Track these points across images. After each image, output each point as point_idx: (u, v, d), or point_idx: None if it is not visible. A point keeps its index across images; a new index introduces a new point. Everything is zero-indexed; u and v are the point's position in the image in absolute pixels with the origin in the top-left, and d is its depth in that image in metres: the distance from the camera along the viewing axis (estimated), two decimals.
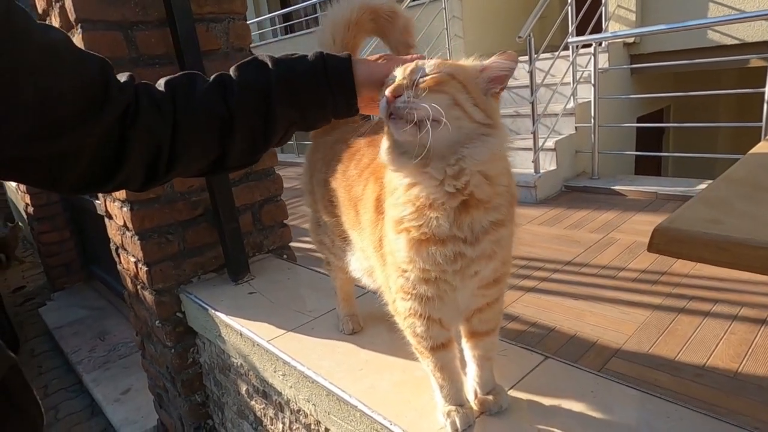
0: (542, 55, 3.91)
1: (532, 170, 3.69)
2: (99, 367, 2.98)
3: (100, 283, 4.04)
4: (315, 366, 1.16)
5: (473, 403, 0.92)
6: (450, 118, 0.66)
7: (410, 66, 0.71)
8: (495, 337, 0.91)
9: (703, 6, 4.17)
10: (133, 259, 1.75)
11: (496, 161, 0.73)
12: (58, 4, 1.53)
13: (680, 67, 4.25)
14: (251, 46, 1.79)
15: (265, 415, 1.47)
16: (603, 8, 4.54)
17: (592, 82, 3.70)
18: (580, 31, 4.15)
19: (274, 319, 1.41)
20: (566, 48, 3.97)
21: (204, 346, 1.74)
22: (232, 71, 0.70)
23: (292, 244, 2.01)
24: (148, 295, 1.73)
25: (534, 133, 3.64)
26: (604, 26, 4.49)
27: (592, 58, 3.68)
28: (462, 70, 0.71)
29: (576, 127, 3.95)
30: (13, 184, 4.58)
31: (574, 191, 3.75)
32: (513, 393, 0.95)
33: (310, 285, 1.63)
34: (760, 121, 3.15)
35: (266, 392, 1.41)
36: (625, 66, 4.49)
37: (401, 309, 0.85)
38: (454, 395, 0.89)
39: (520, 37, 3.45)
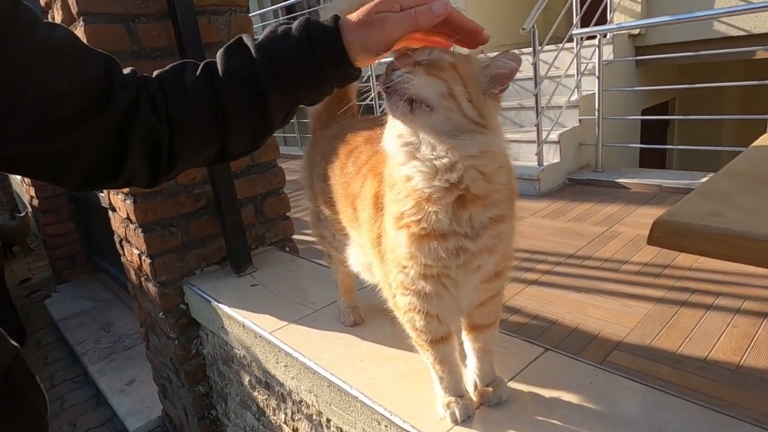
0: (546, 47, 3.88)
1: (536, 163, 3.68)
2: (104, 358, 3.02)
3: (105, 275, 4.07)
4: (316, 357, 1.16)
5: (473, 395, 0.92)
6: (441, 107, 0.66)
7: (419, 49, 0.68)
8: (495, 330, 0.92)
9: None
10: (136, 252, 1.76)
11: (489, 159, 0.72)
12: None
13: (686, 59, 4.21)
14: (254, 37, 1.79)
15: (267, 406, 1.48)
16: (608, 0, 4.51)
17: (597, 74, 3.67)
18: (585, 22, 4.11)
19: (276, 310, 1.42)
20: (570, 40, 3.93)
21: (207, 337, 1.76)
22: (218, 57, 0.66)
23: (294, 236, 2.01)
24: (151, 287, 1.74)
25: (537, 125, 3.63)
26: (608, 18, 4.44)
27: (597, 50, 3.65)
28: (466, 63, 0.69)
29: (580, 120, 3.93)
30: (18, 177, 4.61)
31: (578, 184, 3.74)
32: (513, 385, 0.96)
33: (312, 277, 1.64)
34: (766, 113, 3.13)
35: (269, 383, 1.43)
36: (629, 58, 4.45)
37: (401, 304, 0.86)
38: (454, 387, 0.89)
39: (523, 29, 3.43)
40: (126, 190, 1.63)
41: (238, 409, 1.71)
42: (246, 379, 1.55)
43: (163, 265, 1.69)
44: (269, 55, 0.63)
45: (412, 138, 0.71)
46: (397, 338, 1.14)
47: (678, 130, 6.01)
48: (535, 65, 3.57)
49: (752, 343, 1.77)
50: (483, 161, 0.71)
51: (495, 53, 0.69)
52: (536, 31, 3.48)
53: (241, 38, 0.66)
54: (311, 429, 1.28)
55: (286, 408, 1.37)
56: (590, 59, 3.99)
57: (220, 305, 1.52)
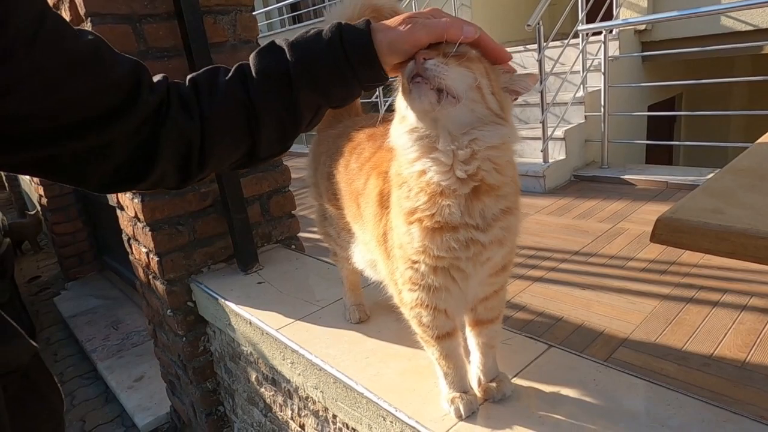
0: (551, 44, 3.87)
1: (541, 160, 3.67)
2: (113, 355, 3.05)
3: (113, 273, 4.11)
4: (322, 354, 1.18)
5: (477, 391, 0.93)
6: (467, 98, 0.67)
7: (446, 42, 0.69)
8: (498, 325, 0.93)
9: None
10: (144, 250, 1.78)
11: (505, 150, 0.75)
12: None
13: (692, 54, 4.18)
14: (259, 36, 1.80)
15: (274, 402, 1.50)
16: None
17: (602, 70, 3.66)
18: (590, 18, 4.10)
19: (282, 308, 1.43)
20: (576, 36, 3.92)
21: (214, 334, 1.78)
22: (250, 59, 0.69)
23: (300, 234, 2.03)
24: (159, 285, 1.76)
25: (543, 122, 3.62)
26: (614, 13, 4.42)
27: (603, 45, 3.64)
28: (489, 63, 0.71)
29: (585, 116, 3.91)
30: (27, 176, 4.65)
31: (583, 181, 3.73)
32: (516, 381, 0.97)
33: (318, 275, 1.65)
34: None
35: (275, 380, 1.44)
36: (636, 54, 4.43)
37: (408, 300, 0.87)
38: (458, 382, 0.91)
39: (528, 25, 3.42)
40: None
41: (245, 406, 1.73)
42: (253, 375, 1.57)
43: (170, 263, 1.70)
44: (302, 53, 0.65)
45: (429, 131, 0.72)
46: (401, 335, 1.15)
47: (685, 126, 5.98)
48: (540, 61, 3.56)
49: (758, 340, 1.77)
50: (500, 152, 0.73)
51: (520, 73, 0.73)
52: (541, 27, 3.47)
53: (273, 41, 0.69)
54: (318, 425, 1.29)
55: (293, 404, 1.39)
56: (596, 55, 3.98)
57: (227, 303, 1.53)
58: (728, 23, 4.06)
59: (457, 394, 0.90)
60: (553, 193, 3.55)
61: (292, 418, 1.42)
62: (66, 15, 1.59)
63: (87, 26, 1.49)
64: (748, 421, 0.79)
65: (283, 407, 1.45)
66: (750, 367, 1.66)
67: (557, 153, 3.77)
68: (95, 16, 1.47)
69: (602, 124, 3.74)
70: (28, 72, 0.52)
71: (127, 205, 1.77)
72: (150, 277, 1.84)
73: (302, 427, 1.37)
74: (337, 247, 1.24)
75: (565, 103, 3.90)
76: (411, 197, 0.77)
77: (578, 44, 3.99)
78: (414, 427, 0.90)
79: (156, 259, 1.69)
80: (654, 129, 4.93)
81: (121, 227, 1.96)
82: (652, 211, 2.98)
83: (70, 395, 2.90)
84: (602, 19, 3.94)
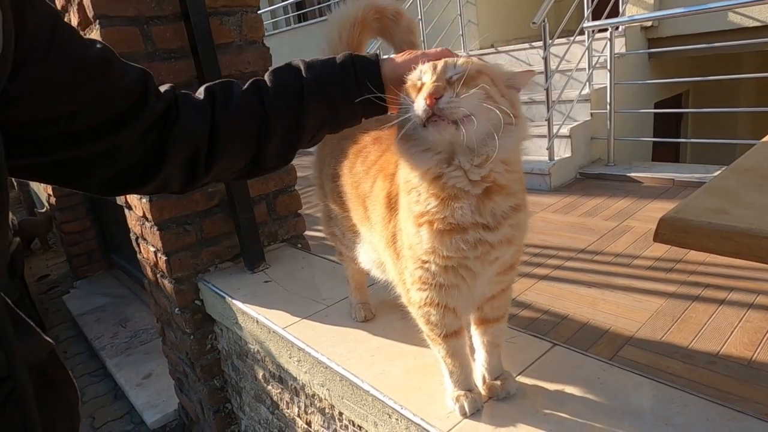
0: (557, 41, 3.86)
1: (547, 157, 3.67)
2: (121, 352, 3.08)
3: (121, 272, 4.14)
4: (329, 352, 1.19)
5: (481, 389, 0.94)
6: (482, 114, 0.69)
7: (439, 65, 0.71)
8: (504, 324, 0.94)
9: None
10: (152, 249, 1.80)
11: (516, 150, 0.77)
12: (76, 1, 1.56)
13: (699, 50, 4.15)
14: (264, 35, 1.81)
15: (281, 400, 1.51)
16: None
17: (608, 67, 3.64)
18: (596, 15, 4.07)
19: (289, 306, 1.45)
20: (582, 33, 3.91)
21: (222, 332, 1.79)
22: (267, 76, 0.74)
23: (306, 233, 2.04)
24: (167, 284, 1.78)
25: (548, 119, 3.61)
26: (620, 10, 4.40)
27: (609, 42, 3.62)
28: (488, 67, 0.74)
29: (591, 114, 3.90)
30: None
31: (589, 178, 3.72)
32: (521, 379, 0.98)
33: (324, 274, 1.66)
34: None
35: (282, 377, 1.46)
36: (642, 50, 4.40)
37: (416, 299, 0.88)
38: (464, 380, 0.91)
39: (534, 22, 3.41)
40: None
41: (252, 403, 1.75)
42: (260, 373, 1.59)
43: (178, 262, 1.72)
44: (317, 72, 0.72)
45: (445, 147, 0.73)
46: (407, 334, 1.16)
47: (692, 123, 5.94)
48: (545, 59, 3.56)
49: (765, 338, 1.77)
50: (512, 153, 0.75)
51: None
52: (547, 24, 3.46)
53: (290, 62, 0.75)
54: (324, 422, 1.30)
55: (300, 401, 1.40)
56: (602, 52, 3.96)
57: (234, 301, 1.55)
58: (736, 19, 4.03)
59: (462, 392, 0.91)
60: (558, 191, 3.54)
61: (298, 416, 1.43)
62: (74, 17, 1.61)
63: (95, 28, 1.50)
64: (752, 420, 0.79)
65: (290, 404, 1.46)
66: (756, 365, 1.66)
67: (563, 150, 3.76)
68: (103, 18, 1.48)
69: (608, 122, 3.73)
70: (41, 80, 0.54)
71: (135, 204, 1.79)
72: (158, 275, 1.86)
73: (309, 424, 1.39)
74: (342, 247, 1.25)
75: (571, 101, 3.89)
76: (421, 201, 0.78)
77: (584, 41, 3.97)
78: (419, 425, 0.91)
79: (164, 258, 1.71)
80: (660, 126, 4.91)
81: (129, 226, 1.98)
82: (658, 209, 2.97)
83: (80, 392, 2.93)
84: (608, 16, 3.93)
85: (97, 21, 1.48)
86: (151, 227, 1.71)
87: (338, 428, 1.24)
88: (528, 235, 0.85)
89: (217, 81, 0.74)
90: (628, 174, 3.53)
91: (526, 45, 4.97)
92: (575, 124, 3.81)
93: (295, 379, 1.37)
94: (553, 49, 3.73)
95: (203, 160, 0.69)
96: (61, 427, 0.62)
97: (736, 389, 1.57)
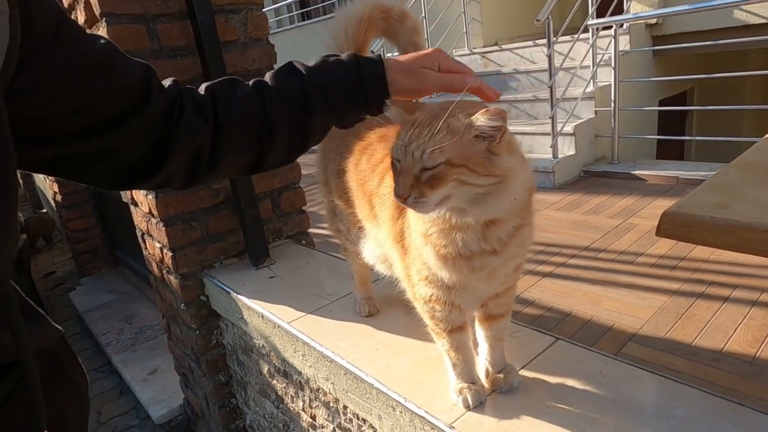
0: (561, 38, 3.85)
1: (551, 155, 3.67)
2: (127, 348, 3.10)
3: (126, 269, 4.17)
4: (333, 346, 1.20)
5: (484, 381, 0.95)
6: (458, 193, 0.70)
7: (412, 149, 0.68)
8: (507, 320, 0.95)
9: None
10: (158, 245, 1.81)
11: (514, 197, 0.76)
12: None
13: (704, 48, 4.14)
14: (269, 33, 1.82)
15: (286, 394, 1.52)
16: None
17: (613, 65, 3.63)
18: (601, 12, 4.07)
19: (293, 302, 1.46)
20: (586, 30, 3.89)
21: (227, 328, 1.81)
22: (268, 78, 0.73)
23: (310, 230, 2.05)
24: (173, 280, 1.80)
25: (552, 117, 3.61)
26: (625, 7, 4.38)
27: (613, 40, 3.62)
28: (457, 146, 0.68)
29: (595, 111, 3.89)
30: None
31: (593, 176, 3.71)
32: (524, 373, 0.98)
33: (328, 270, 1.67)
34: None
35: (287, 372, 1.47)
36: (646, 48, 4.39)
37: (422, 294, 0.89)
38: (467, 373, 0.92)
39: (538, 20, 3.41)
40: None
41: (257, 398, 1.76)
42: (265, 368, 1.60)
43: (184, 258, 1.74)
44: (320, 78, 0.70)
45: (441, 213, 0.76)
46: (411, 329, 1.17)
47: (697, 120, 5.92)
48: (549, 56, 3.55)
49: None
50: (510, 206, 0.75)
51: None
52: (551, 21, 3.45)
53: (291, 63, 0.73)
54: (328, 415, 1.32)
55: (304, 396, 1.41)
56: (606, 50, 3.95)
57: (240, 296, 1.56)
58: (741, 16, 4.01)
59: (465, 385, 0.92)
60: (562, 189, 3.54)
61: (303, 410, 1.44)
62: (81, 15, 1.62)
63: (102, 26, 1.52)
64: (754, 413, 0.80)
65: (295, 399, 1.48)
66: (760, 362, 1.66)
67: (567, 148, 3.76)
68: (110, 17, 1.50)
69: (612, 119, 3.72)
70: (47, 75, 0.55)
71: (141, 201, 1.80)
72: (164, 271, 1.88)
73: (313, 417, 1.40)
74: (347, 243, 1.26)
75: (575, 98, 3.89)
76: (425, 222, 0.79)
77: (588, 39, 3.96)
78: (423, 417, 0.92)
79: (170, 254, 1.73)
80: (665, 124, 4.89)
81: (135, 223, 2.00)
82: (662, 207, 2.92)
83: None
84: (612, 13, 3.92)
85: (104, 19, 1.49)
86: (157, 223, 1.73)
87: (343, 422, 1.26)
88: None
89: (219, 79, 0.73)
90: (632, 172, 3.52)
91: (530, 42, 4.96)
92: (579, 121, 3.81)
93: (299, 373, 1.38)
94: (557, 47, 3.72)
95: (206, 159, 0.69)
96: (70, 412, 0.63)
97: (739, 386, 1.58)
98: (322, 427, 1.37)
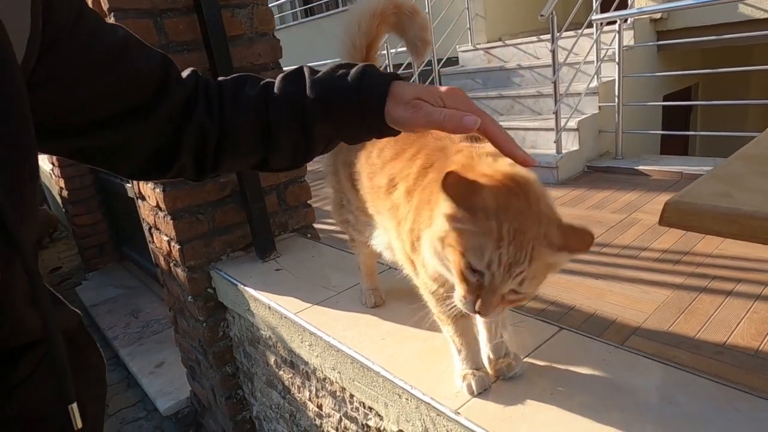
0: (565, 34, 3.84)
1: (554, 150, 3.67)
2: (133, 342, 3.13)
3: (132, 264, 4.20)
4: (340, 336, 1.22)
5: (489, 368, 0.97)
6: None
7: (512, 273, 0.70)
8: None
9: None
10: (166, 238, 1.83)
11: None
12: None
13: (709, 43, 4.12)
14: (275, 28, 1.84)
15: (292, 384, 1.54)
16: None
17: (617, 60, 3.63)
18: (605, 7, 4.05)
19: (300, 293, 1.47)
20: (590, 25, 3.89)
21: (234, 320, 1.83)
22: (277, 80, 0.71)
23: (315, 225, 2.07)
24: (180, 272, 1.82)
25: (556, 112, 3.61)
26: (629, 2, 4.37)
27: (617, 35, 3.61)
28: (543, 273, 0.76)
29: (599, 107, 3.89)
30: (47, 169, 4.76)
31: (597, 171, 3.72)
32: (528, 360, 1.00)
33: (334, 263, 1.69)
34: None
35: (293, 362, 1.49)
36: (651, 43, 4.38)
37: (429, 281, 0.90)
38: (472, 359, 0.94)
39: (542, 15, 3.40)
40: None
41: (264, 388, 1.78)
42: (271, 359, 1.62)
43: (191, 251, 1.76)
44: (319, 91, 0.66)
45: None
46: (416, 319, 1.18)
47: (701, 116, 5.90)
48: (553, 52, 3.55)
49: None
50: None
51: None
52: (555, 17, 3.45)
53: (301, 68, 0.70)
54: (335, 404, 1.33)
55: (311, 385, 1.43)
56: (610, 45, 3.94)
57: (247, 288, 1.58)
58: (746, 11, 3.99)
59: (470, 371, 0.93)
60: (566, 184, 3.55)
61: (310, 399, 1.46)
62: None
63: (110, 20, 1.53)
64: (759, 400, 0.81)
65: (301, 389, 1.49)
66: (763, 355, 1.67)
67: (570, 144, 3.76)
68: (118, 11, 1.51)
69: (616, 115, 3.72)
70: (68, 64, 0.56)
71: (149, 195, 1.82)
72: (171, 264, 1.90)
73: (320, 407, 1.42)
74: (355, 233, 1.27)
75: (579, 94, 3.89)
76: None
77: (592, 34, 3.96)
78: (429, 404, 0.94)
79: (177, 247, 1.75)
80: (669, 119, 4.88)
81: (143, 217, 2.02)
82: None
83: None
84: (617, 8, 3.91)
85: (112, 13, 1.51)
86: (164, 216, 1.75)
87: (349, 410, 1.27)
88: None
89: (231, 76, 0.72)
90: (636, 167, 3.52)
91: (534, 38, 4.95)
92: (583, 117, 3.81)
93: (306, 363, 1.40)
94: (561, 42, 3.72)
95: (211, 155, 0.70)
96: (90, 394, 0.65)
97: (742, 378, 1.59)
98: (329, 416, 1.38)
